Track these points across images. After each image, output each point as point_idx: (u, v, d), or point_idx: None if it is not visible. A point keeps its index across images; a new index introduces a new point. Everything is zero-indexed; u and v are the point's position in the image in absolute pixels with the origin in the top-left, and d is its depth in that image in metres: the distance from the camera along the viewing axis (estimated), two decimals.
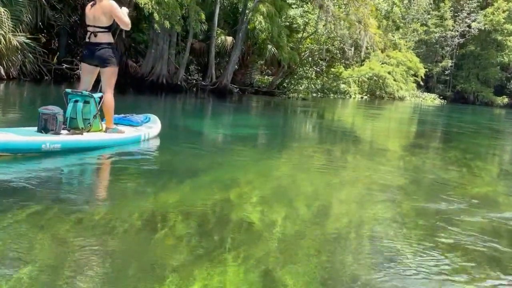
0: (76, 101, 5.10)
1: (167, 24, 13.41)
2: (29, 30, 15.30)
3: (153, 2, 12.67)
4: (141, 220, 3.00)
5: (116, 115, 5.87)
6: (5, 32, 12.16)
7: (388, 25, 37.84)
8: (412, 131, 13.19)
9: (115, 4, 5.16)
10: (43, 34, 18.84)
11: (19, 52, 12.98)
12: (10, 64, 12.71)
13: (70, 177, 4.15)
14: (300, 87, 24.00)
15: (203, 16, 15.05)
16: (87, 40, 5.24)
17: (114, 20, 5.21)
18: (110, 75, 5.28)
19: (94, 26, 5.16)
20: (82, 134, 5.04)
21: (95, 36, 5.17)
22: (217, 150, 6.42)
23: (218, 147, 6.78)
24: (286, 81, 24.29)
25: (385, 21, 34.19)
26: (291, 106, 18.57)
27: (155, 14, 12.88)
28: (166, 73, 17.65)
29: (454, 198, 4.41)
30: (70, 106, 5.10)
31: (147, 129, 5.97)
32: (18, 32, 12.91)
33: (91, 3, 5.19)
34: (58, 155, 4.58)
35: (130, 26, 5.31)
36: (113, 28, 5.29)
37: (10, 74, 12.89)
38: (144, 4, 12.40)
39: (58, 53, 18.79)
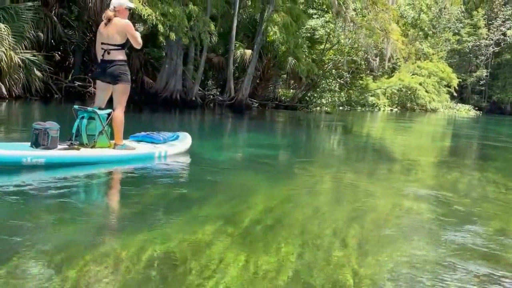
0: (83, 118, 5.19)
1: (172, 36, 12.64)
2: (38, 47, 14.92)
3: (157, 13, 11.94)
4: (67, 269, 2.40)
5: (144, 132, 6.02)
6: (6, 49, 11.64)
7: (419, 34, 36.33)
8: (445, 146, 11.95)
9: (129, 23, 5.26)
10: (57, 52, 18.56)
11: (22, 69, 12.44)
12: (12, 83, 12.16)
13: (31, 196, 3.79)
14: (323, 101, 22.77)
15: (212, 27, 14.24)
16: (100, 57, 5.28)
17: (127, 38, 5.26)
18: (121, 92, 5.30)
19: (108, 44, 5.20)
20: (78, 150, 4.97)
21: (108, 53, 5.21)
22: (218, 175, 5.47)
23: (220, 171, 5.80)
24: (309, 94, 23.20)
25: (412, 29, 32.59)
26: (313, 121, 17.52)
27: (160, 26, 12.14)
28: (181, 88, 16.93)
29: (486, 233, 3.60)
30: (76, 122, 5.20)
31: (166, 147, 5.82)
32: (20, 49, 12.39)
33: (104, 22, 5.24)
34: (52, 170, 4.54)
35: (141, 45, 5.36)
36: (126, 46, 5.32)
37: (13, 93, 12.35)
38: (148, 15, 11.69)
39: (72, 70, 18.46)
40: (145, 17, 11.83)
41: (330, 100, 22.92)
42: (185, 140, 6.26)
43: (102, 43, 5.24)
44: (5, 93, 12.00)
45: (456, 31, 46.76)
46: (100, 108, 5.32)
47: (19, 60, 12.09)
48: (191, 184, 4.72)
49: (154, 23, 12.10)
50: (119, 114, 5.29)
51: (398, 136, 13.99)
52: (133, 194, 4.10)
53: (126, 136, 5.76)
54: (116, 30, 5.15)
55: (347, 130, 15.17)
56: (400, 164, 7.76)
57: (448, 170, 7.27)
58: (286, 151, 8.72)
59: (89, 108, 5.24)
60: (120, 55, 5.26)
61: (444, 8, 44.84)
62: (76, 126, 5.16)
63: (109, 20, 5.19)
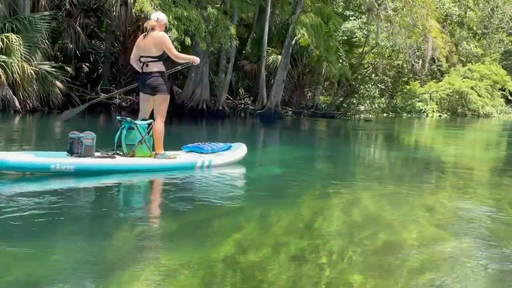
0: (123, 128, 5.39)
1: (187, 41, 11.75)
2: (65, 58, 14.51)
3: (170, 17, 11.08)
4: None
5: (197, 143, 6.02)
6: (18, 60, 11.13)
7: (469, 34, 33.98)
8: (500, 156, 10.41)
9: (166, 36, 5.46)
10: (85, 64, 18.25)
11: (37, 81, 11.90)
12: (26, 95, 11.63)
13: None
14: (362, 107, 21.25)
15: (233, 31, 13.24)
16: (140, 70, 5.49)
17: (163, 50, 5.37)
18: (159, 102, 5.43)
19: (146, 57, 5.39)
20: (114, 158, 5.16)
21: (147, 66, 5.40)
22: (225, 195, 4.62)
23: (229, 190, 4.94)
24: (347, 101, 21.79)
25: (459, 28, 30.28)
26: (352, 130, 16.19)
27: (174, 31, 11.28)
28: (208, 97, 16.09)
29: None
30: (118, 132, 5.42)
31: (211, 157, 5.80)
32: (34, 60, 11.87)
33: (143, 35, 5.43)
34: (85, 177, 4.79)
35: (178, 57, 5.51)
36: (163, 58, 5.43)
37: (28, 106, 11.81)
38: None
39: (101, 82, 18.05)
40: None
41: (370, 107, 21.39)
42: (236, 151, 6.19)
43: (141, 56, 5.43)
44: (18, 106, 11.47)
45: (511, 31, 43.86)
46: (143, 119, 5.51)
47: (32, 72, 11.54)
48: (190, 207, 4.05)
49: (167, 27, 11.29)
50: (159, 124, 5.45)
51: (447, 146, 12.46)
52: (123, 210, 4.04)
53: (178, 147, 5.97)
54: (153, 43, 5.33)
55: (387, 139, 13.74)
56: (448, 179, 6.44)
57: (503, 185, 5.91)
58: (309, 167, 7.52)
59: (128, 119, 5.46)
60: (157, 67, 5.41)
61: (496, 7, 42.19)
62: (118, 136, 5.38)
63: (151, 29, 5.35)
